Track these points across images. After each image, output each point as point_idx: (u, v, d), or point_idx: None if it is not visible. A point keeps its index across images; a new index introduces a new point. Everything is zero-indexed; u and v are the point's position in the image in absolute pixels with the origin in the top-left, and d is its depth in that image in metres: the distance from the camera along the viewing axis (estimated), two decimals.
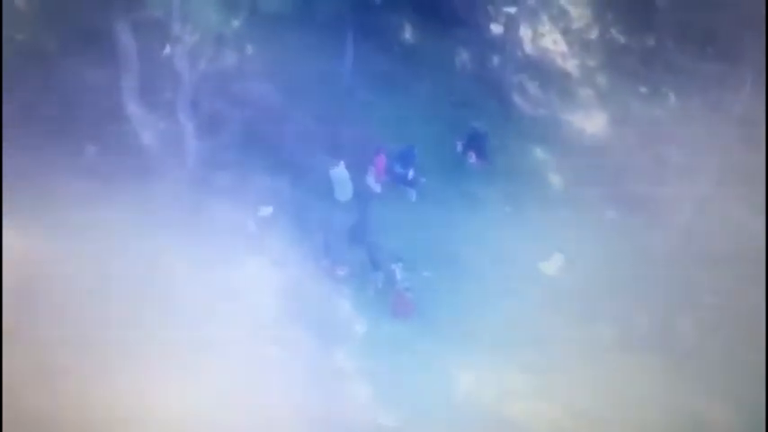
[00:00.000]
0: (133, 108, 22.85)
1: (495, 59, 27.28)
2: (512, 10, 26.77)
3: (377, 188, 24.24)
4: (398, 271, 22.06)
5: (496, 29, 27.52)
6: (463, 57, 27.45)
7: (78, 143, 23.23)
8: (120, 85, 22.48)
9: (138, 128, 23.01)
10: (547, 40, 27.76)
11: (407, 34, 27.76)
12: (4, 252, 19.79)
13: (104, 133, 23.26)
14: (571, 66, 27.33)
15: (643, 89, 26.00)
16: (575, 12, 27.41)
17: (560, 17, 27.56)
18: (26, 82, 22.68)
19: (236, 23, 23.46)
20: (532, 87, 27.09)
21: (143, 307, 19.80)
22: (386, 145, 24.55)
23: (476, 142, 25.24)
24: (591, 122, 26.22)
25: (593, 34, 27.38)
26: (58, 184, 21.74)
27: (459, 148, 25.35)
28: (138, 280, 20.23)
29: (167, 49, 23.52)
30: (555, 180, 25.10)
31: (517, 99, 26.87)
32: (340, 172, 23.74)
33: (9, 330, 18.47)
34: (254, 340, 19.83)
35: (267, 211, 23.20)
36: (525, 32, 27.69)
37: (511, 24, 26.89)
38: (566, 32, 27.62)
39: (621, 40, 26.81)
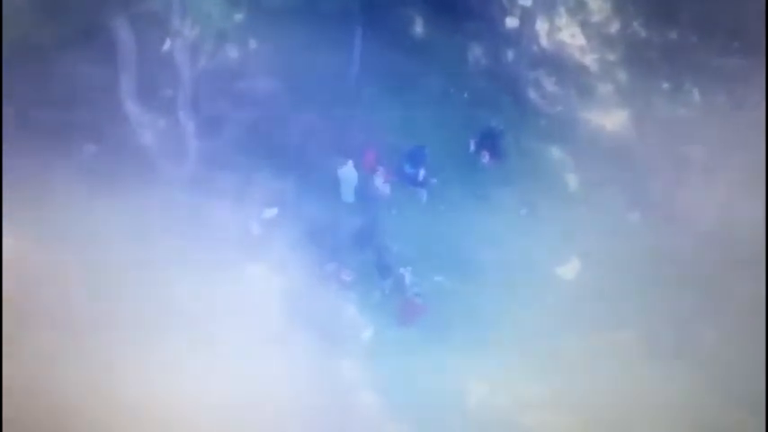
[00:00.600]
0: (132, 106, 23.18)
1: (510, 54, 27.49)
2: (527, 2, 27.06)
3: (386, 189, 24.52)
4: (407, 275, 22.42)
5: (511, 22, 27.73)
6: (476, 52, 27.67)
7: (76, 143, 23.66)
8: (119, 82, 22.80)
9: (138, 127, 23.35)
10: (564, 34, 27.92)
11: (418, 28, 28.02)
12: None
13: (103, 132, 23.65)
14: (590, 61, 27.47)
15: (665, 85, 26.08)
16: (594, 4, 27.51)
17: (578, 9, 27.68)
18: (22, 80, 22.99)
19: (238, 17, 23.75)
20: (549, 83, 27.28)
21: (142, 312, 20.11)
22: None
23: (489, 141, 25.43)
24: (610, 120, 26.37)
25: (614, 28, 27.52)
26: (56, 185, 22.09)
27: (473, 147, 25.56)
28: (137, 284, 20.52)
29: (167, 45, 23.89)
30: (573, 180, 25.33)
31: (533, 96, 27.08)
32: (348, 172, 24.08)
33: (7, 333, 18.89)
34: (257, 346, 20.05)
35: (271, 213, 23.59)
36: (542, 26, 27.88)
37: (527, 17, 27.17)
38: (584, 26, 27.76)
39: (643, 33, 26.92)
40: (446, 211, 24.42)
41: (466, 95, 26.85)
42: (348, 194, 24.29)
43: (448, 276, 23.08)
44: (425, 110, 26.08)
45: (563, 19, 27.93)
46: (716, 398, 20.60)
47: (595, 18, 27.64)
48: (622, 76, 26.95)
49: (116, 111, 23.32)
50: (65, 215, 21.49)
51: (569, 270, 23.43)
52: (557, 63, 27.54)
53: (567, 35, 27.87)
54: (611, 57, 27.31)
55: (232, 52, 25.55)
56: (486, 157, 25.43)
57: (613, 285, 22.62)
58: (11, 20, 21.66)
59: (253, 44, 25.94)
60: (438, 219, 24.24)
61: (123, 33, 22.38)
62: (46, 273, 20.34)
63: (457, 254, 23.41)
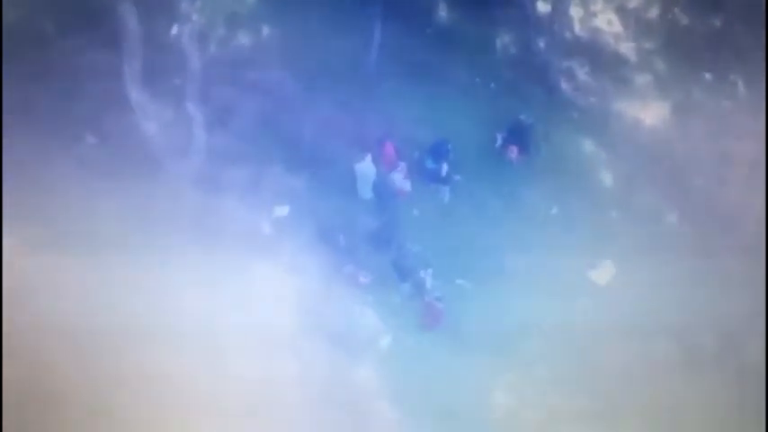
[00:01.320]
0: (136, 95, 23.38)
1: (541, 42, 27.49)
2: None
3: (406, 186, 24.63)
4: (428, 278, 22.60)
5: (543, 7, 27.75)
6: (505, 39, 27.72)
7: (77, 133, 23.94)
8: (123, 70, 23.02)
9: (142, 117, 23.57)
10: (600, 20, 27.92)
11: (442, 13, 28.11)
12: None
13: (105, 123, 23.92)
14: (627, 49, 27.46)
15: (708, 76, 26.22)
16: None
17: None
18: (20, 66, 23.31)
19: (250, 1, 23.98)
20: (583, 73, 27.27)
21: (145, 315, 20.31)
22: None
23: (518, 135, 25.48)
24: (648, 113, 26.30)
25: (653, 14, 27.63)
26: (53, 178, 22.37)
27: (500, 141, 25.61)
28: (140, 286, 20.69)
29: (174, 31, 24.17)
30: (607, 178, 25.34)
31: (565, 86, 27.07)
32: (366, 167, 24.22)
33: (5, 335, 19.21)
34: (267, 353, 20.33)
35: (283, 210, 23.83)
36: (576, 11, 27.92)
37: (559, 2, 27.20)
38: (621, 11, 27.83)
39: (684, 20, 27.09)
40: (470, 210, 24.52)
41: (493, 86, 26.90)
42: (365, 191, 24.46)
43: (471, 280, 23.21)
44: (449, 101, 26.14)
45: (598, 4, 27.97)
46: (762, 412, 20.68)
47: (633, 3, 27.70)
48: (662, 65, 26.99)
49: (119, 100, 23.52)
50: (62, 210, 21.77)
51: (603, 274, 23.52)
52: (591, 51, 27.51)
53: (603, 21, 27.89)
54: (650, 45, 27.36)
55: (243, 39, 25.75)
56: (513, 153, 25.48)
57: (650, 291, 22.64)
58: (9, 3, 21.95)
59: (265, 30, 26.14)
60: (461, 218, 24.35)
61: (128, 17, 22.58)
62: (43, 272, 20.54)
63: (481, 256, 23.53)
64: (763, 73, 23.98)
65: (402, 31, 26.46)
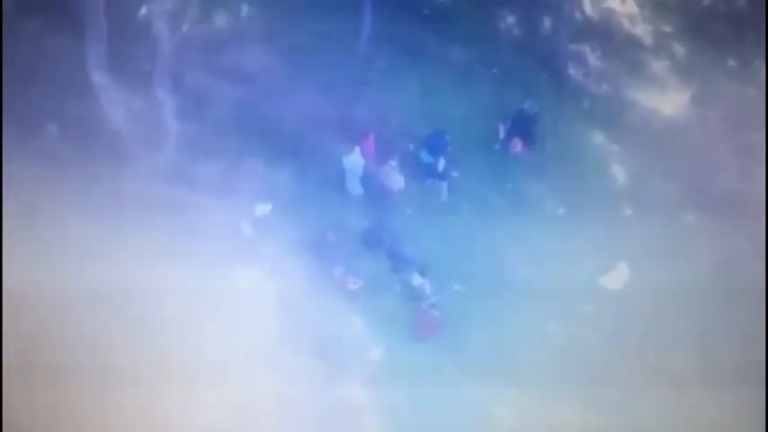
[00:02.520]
0: (101, 80, 23.61)
1: (548, 23, 27.59)
2: None
3: (400, 182, 24.51)
4: (424, 284, 22.70)
5: None
6: (508, 20, 27.76)
7: (35, 122, 23.99)
8: (87, 53, 23.22)
9: (108, 105, 23.78)
10: (613, 0, 28.14)
11: None
12: None
13: (67, 112, 24.01)
14: (642, 32, 27.49)
15: (731, 62, 26.44)
16: None
17: None
18: None
19: None
20: (594, 58, 27.28)
21: (113, 324, 20.72)
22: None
23: (522, 126, 25.48)
24: (665, 102, 26.40)
25: None
26: (10, 171, 22.48)
27: (502, 133, 25.68)
28: (106, 291, 20.96)
29: (143, 10, 24.26)
30: (619, 174, 25.46)
31: (574, 73, 27.12)
32: (355, 160, 24.24)
33: None
34: (248, 366, 20.64)
35: (265, 209, 24.04)
36: None
37: None
38: None
39: (705, 0, 27.34)
40: (469, 209, 24.68)
41: (495, 72, 26.93)
42: (355, 187, 24.59)
43: (470, 285, 23.45)
44: (447, 89, 26.23)
45: None
46: None
47: None
48: (680, 50, 27.04)
49: (83, 87, 23.73)
50: (19, 209, 21.99)
51: (614, 279, 23.79)
52: (603, 34, 27.52)
53: (616, 1, 27.98)
54: (668, 27, 27.38)
55: (220, 19, 25.74)
56: (517, 146, 25.53)
57: (666, 297, 22.92)
58: None
59: (245, 9, 26.18)
60: (460, 218, 24.50)
61: None
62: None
63: (481, 259, 23.73)
64: None
65: (396, 12, 26.40)
